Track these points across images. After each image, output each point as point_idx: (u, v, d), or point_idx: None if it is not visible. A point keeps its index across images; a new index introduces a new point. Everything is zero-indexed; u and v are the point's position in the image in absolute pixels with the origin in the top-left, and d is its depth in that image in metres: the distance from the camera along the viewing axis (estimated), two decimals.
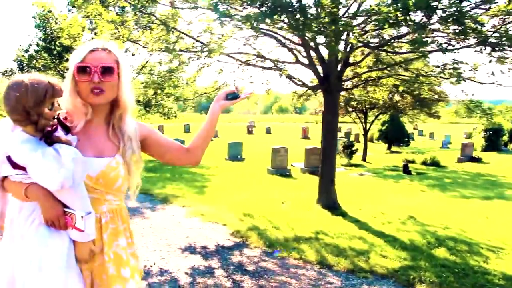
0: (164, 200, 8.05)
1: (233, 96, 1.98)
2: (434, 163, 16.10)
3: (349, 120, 18.79)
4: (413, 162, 16.15)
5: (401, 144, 23.10)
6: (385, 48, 5.57)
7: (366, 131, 17.14)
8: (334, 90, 7.09)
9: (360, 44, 5.94)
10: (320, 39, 5.48)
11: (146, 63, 16.72)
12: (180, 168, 13.28)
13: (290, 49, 6.78)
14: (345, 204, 7.62)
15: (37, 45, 15.34)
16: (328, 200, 7.40)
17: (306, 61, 6.96)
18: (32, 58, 15.40)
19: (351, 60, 7.29)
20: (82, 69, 1.66)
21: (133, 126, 1.86)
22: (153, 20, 5.96)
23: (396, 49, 6.21)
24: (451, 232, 6.30)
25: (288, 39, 6.54)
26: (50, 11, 15.42)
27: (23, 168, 1.60)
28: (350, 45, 6.57)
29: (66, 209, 1.62)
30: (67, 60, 15.77)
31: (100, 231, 1.74)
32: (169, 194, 8.56)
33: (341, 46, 6.61)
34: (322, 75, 7.00)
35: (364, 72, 7.39)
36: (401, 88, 7.52)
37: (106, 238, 1.75)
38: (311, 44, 6.43)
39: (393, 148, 23.14)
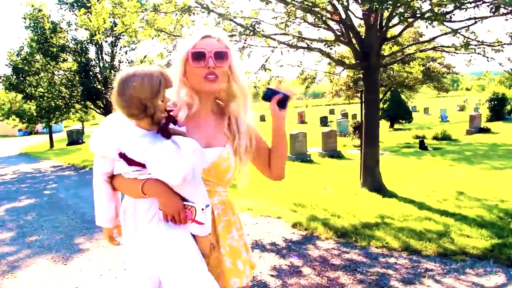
0: None
1: (269, 95, 1.73)
2: (446, 137, 15.98)
3: (354, 101, 18.51)
4: (423, 137, 16.00)
5: (403, 121, 23.02)
6: (439, 17, 5.22)
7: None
8: (374, 67, 6.77)
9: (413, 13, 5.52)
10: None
11: (144, 57, 16.18)
12: None
13: (328, 27, 6.42)
14: (387, 185, 7.36)
15: (30, 46, 14.62)
16: (374, 183, 7.13)
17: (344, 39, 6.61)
18: (25, 61, 14.68)
19: (388, 35, 6.95)
20: (196, 55, 1.61)
21: (250, 115, 1.79)
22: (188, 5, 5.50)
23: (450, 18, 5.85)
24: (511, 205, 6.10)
25: (327, 16, 6.17)
26: (40, 10, 14.72)
27: (140, 164, 1.53)
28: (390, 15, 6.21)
29: (185, 202, 1.54)
30: (64, 60, 15.20)
31: (214, 224, 1.68)
32: None
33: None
34: (362, 52, 6.65)
35: (408, 46, 7.07)
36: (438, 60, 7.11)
37: (220, 230, 1.70)
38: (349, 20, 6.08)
39: (396, 126, 23.05)
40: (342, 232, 5.11)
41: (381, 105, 22.50)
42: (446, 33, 6.28)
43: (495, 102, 20.16)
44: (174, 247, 1.54)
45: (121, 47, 15.86)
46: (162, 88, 1.51)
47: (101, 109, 16.13)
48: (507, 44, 6.45)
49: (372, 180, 7.15)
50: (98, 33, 6.66)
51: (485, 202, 6.31)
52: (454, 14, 5.63)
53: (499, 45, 6.19)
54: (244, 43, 6.42)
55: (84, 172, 12.75)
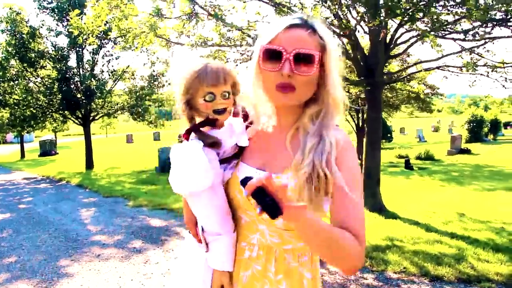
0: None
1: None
2: (429, 157, 16.14)
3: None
4: (407, 157, 16.09)
5: (384, 141, 23.21)
6: (450, 33, 5.12)
7: (359, 128, 16.92)
8: (379, 84, 6.63)
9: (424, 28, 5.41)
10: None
11: (127, 67, 15.69)
12: None
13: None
14: (386, 205, 7.17)
15: (6, 51, 13.92)
16: (375, 203, 6.92)
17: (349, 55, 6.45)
18: (0, 66, 13.93)
19: (392, 52, 6.86)
20: (270, 53, 1.20)
21: (334, 137, 1.23)
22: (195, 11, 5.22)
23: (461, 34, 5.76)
24: None
25: (337, 32, 6.00)
26: (18, 14, 14.09)
27: None
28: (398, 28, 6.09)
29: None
30: (42, 67, 14.51)
31: (239, 267, 1.32)
32: None
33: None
34: (366, 68, 6.51)
35: (415, 64, 6.97)
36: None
37: (244, 279, 1.30)
38: (355, 34, 5.93)
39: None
40: None
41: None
42: (459, 51, 6.20)
43: (474, 124, 20.65)
44: (184, 266, 1.42)
45: (103, 55, 15.34)
46: (196, 85, 1.30)
47: (79, 119, 15.48)
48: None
49: (373, 200, 6.93)
50: (92, 36, 6.26)
51: (489, 225, 6.18)
52: (477, 31, 5.53)
53: (504, 66, 6.16)
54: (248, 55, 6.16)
55: (62, 185, 12.06)
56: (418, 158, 16.18)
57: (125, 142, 34.63)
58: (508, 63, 6.39)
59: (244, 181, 1.01)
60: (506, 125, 31.13)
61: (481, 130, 20.83)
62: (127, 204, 8.55)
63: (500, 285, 3.96)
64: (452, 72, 6.72)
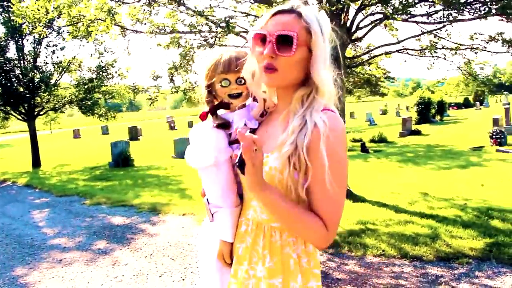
0: (154, 211, 6.95)
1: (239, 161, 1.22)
2: (382, 140, 16.59)
3: None
4: (361, 141, 16.46)
5: None
6: (407, 15, 5.13)
7: None
8: (344, 70, 6.58)
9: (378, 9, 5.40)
10: None
11: (73, 58, 14.72)
12: (137, 172, 11.97)
13: None
14: (352, 189, 7.22)
15: None
16: None
17: None
18: None
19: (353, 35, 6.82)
20: (258, 38, 1.31)
21: (316, 121, 1.25)
22: None
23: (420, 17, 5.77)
24: (478, 203, 6.22)
25: None
26: None
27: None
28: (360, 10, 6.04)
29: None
30: None
31: (237, 240, 1.46)
32: (153, 203, 7.45)
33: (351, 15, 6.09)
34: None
35: (376, 48, 6.97)
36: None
37: (239, 251, 1.42)
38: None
39: None
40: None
41: None
42: (419, 35, 6.26)
43: (422, 106, 21.50)
44: (203, 243, 1.59)
45: (46, 46, 14.30)
46: (213, 72, 1.49)
47: (23, 115, 14.42)
48: (466, 48, 6.61)
49: None
50: (39, 25, 5.68)
51: (453, 202, 6.39)
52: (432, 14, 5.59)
53: (462, 49, 6.31)
54: (215, 41, 5.86)
55: (7, 186, 11.17)
56: (372, 141, 16.58)
57: (72, 137, 32.96)
58: (464, 45, 6.56)
59: (239, 162, 1.18)
60: (449, 106, 32.84)
61: (429, 111, 21.77)
62: (83, 203, 8.03)
63: (476, 260, 4.05)
64: (412, 55, 6.81)
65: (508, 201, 6.16)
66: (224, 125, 1.45)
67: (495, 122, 14.40)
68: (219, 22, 5.05)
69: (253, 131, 1.43)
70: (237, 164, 1.18)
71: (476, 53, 6.60)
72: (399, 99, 53.86)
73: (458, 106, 42.65)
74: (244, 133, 1.14)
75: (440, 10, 5.40)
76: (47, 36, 13.81)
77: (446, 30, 6.15)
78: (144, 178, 10.82)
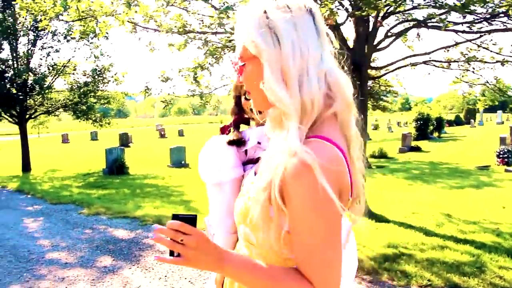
0: (160, 224, 6.42)
1: None
2: (382, 155, 16.29)
3: None
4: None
5: None
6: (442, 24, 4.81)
7: None
8: (365, 80, 6.23)
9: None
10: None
11: (68, 61, 14.13)
12: (134, 181, 11.42)
13: None
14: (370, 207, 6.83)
15: None
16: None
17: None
18: None
19: (378, 45, 6.48)
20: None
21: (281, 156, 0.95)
22: None
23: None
24: (510, 228, 5.87)
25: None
26: None
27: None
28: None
29: None
30: None
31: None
32: (158, 216, 6.94)
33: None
34: (353, 63, 6.07)
35: (403, 59, 6.63)
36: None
37: (227, 284, 1.28)
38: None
39: None
40: (364, 267, 4.33)
41: None
42: (448, 47, 5.96)
43: (421, 122, 21.33)
44: None
45: (40, 48, 13.71)
46: (239, 84, 1.37)
47: (14, 118, 13.77)
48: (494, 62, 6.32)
49: None
50: (45, 18, 5.19)
51: (482, 225, 6.03)
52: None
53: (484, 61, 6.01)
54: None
55: None
56: (373, 156, 16.26)
57: (61, 142, 32.04)
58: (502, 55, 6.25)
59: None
60: (446, 123, 32.98)
61: (427, 128, 21.62)
62: (81, 212, 7.47)
63: None
64: (438, 67, 6.49)
65: None
66: (238, 142, 1.39)
67: (502, 141, 14.18)
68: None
69: (256, 160, 1.31)
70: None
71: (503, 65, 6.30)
72: (388, 115, 53.98)
73: (450, 123, 42.89)
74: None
75: (482, 19, 5.11)
76: (41, 38, 13.24)
77: (486, 40, 5.88)
78: (142, 188, 10.29)
